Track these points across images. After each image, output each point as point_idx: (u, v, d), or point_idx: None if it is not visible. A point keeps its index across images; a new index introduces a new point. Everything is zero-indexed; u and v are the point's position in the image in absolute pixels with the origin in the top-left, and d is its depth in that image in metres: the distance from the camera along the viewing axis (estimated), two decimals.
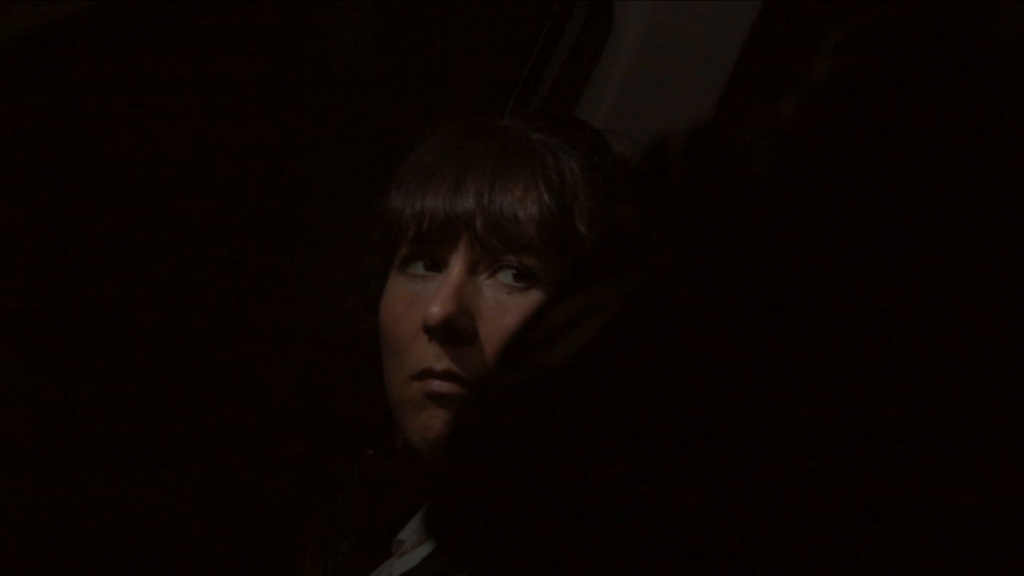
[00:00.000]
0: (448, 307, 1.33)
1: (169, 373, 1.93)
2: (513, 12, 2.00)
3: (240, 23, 1.75)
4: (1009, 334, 0.75)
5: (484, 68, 1.98)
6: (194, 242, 1.93)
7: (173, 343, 1.92)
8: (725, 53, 1.79)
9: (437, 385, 1.34)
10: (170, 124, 1.91)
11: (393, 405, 1.38)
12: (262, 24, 1.90)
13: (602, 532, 0.79)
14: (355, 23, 2.15)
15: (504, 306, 1.34)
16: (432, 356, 1.34)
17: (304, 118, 2.04)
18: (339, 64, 2.05)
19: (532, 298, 1.34)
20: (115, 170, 1.88)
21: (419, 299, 1.36)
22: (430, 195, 1.36)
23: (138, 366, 1.91)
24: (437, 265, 1.36)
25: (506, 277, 1.35)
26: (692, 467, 0.77)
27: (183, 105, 1.89)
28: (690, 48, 1.78)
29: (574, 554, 0.80)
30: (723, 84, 1.79)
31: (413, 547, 1.42)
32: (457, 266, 1.35)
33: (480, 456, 0.83)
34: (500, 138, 1.39)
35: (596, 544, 0.79)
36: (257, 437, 1.94)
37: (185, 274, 1.93)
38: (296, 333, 1.98)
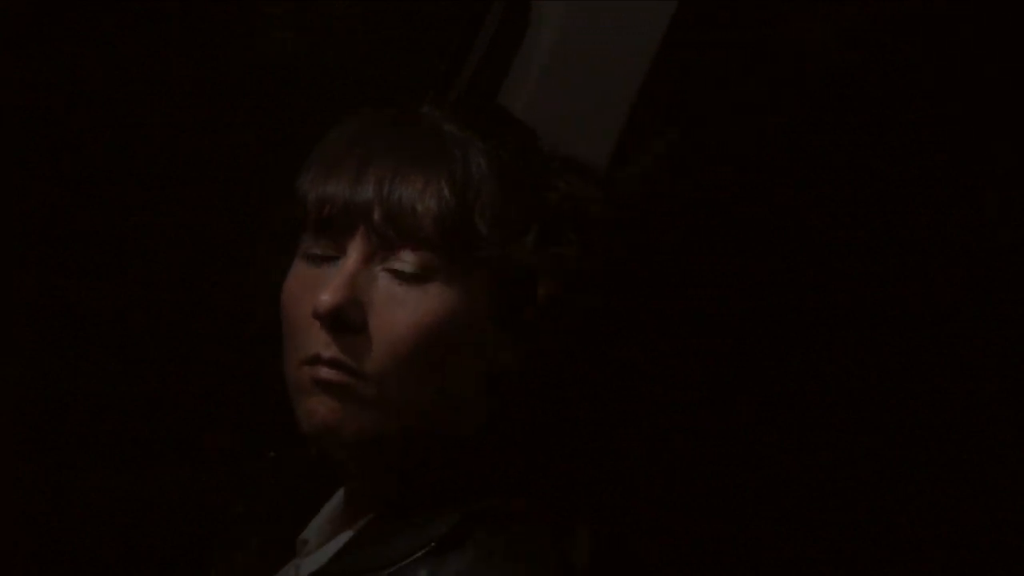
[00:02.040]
0: (336, 296, 1.34)
1: (86, 369, 1.93)
2: (432, 7, 2.01)
3: (162, 21, 1.75)
4: None
5: (403, 63, 1.99)
6: (104, 239, 1.92)
7: (93, 340, 1.92)
8: (642, 50, 1.80)
9: (324, 372, 1.35)
10: (103, 125, 1.91)
11: (288, 390, 1.39)
12: (184, 20, 1.90)
13: None
14: (276, 17, 2.15)
15: (396, 298, 1.35)
16: (322, 343, 1.35)
17: (223, 112, 2.03)
18: (260, 58, 2.05)
19: (427, 292, 1.35)
20: (53, 171, 1.88)
21: (316, 284, 1.36)
22: (332, 182, 1.37)
23: (54, 364, 1.90)
24: (337, 252, 1.37)
25: (401, 269, 1.35)
26: None
27: (113, 105, 1.89)
28: (608, 44, 1.79)
29: None
30: (640, 80, 1.81)
31: (318, 546, 1.42)
32: (353, 255, 1.36)
33: None
34: (410, 129, 1.39)
35: None
36: (171, 432, 1.94)
37: (98, 271, 1.93)
38: (213, 326, 1.98)
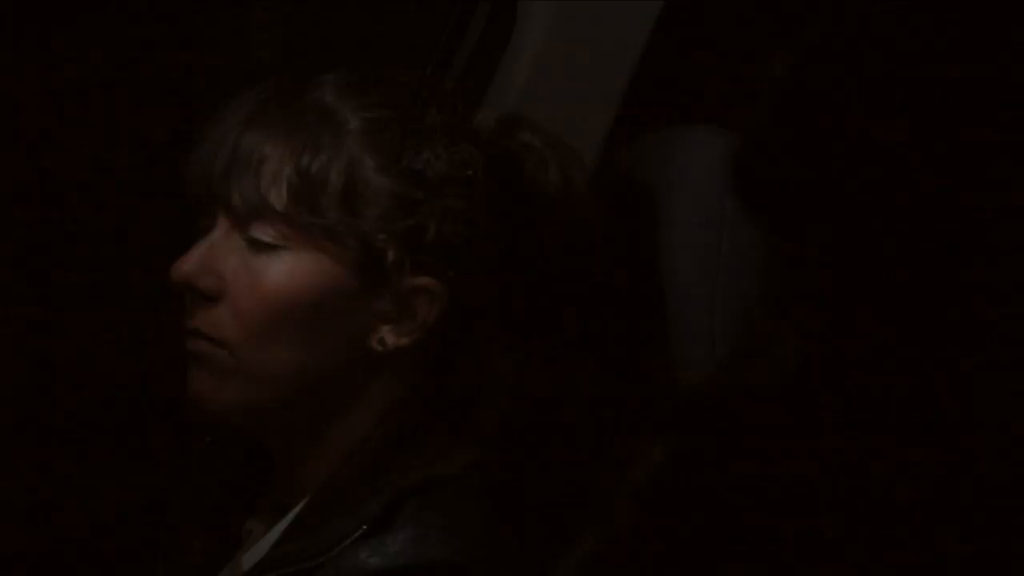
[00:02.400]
0: (185, 266, 1.36)
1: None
2: (418, 9, 2.01)
3: (151, 23, 1.75)
4: None
5: (390, 66, 1.99)
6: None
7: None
8: (628, 47, 1.81)
9: (190, 343, 1.38)
10: (76, 127, 1.91)
11: None
12: (172, 25, 1.90)
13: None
14: (265, 22, 2.15)
15: (250, 268, 1.36)
16: (187, 314, 1.38)
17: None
18: (247, 61, 2.05)
19: (280, 262, 1.35)
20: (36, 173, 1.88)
21: None
22: (200, 158, 1.39)
23: None
24: (213, 224, 1.39)
25: (258, 238, 1.36)
26: None
27: (90, 105, 1.89)
28: (594, 43, 1.79)
29: None
30: (627, 78, 1.81)
31: (261, 536, 1.42)
32: (215, 228, 1.37)
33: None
34: (283, 103, 1.39)
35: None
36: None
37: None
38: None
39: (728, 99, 2.14)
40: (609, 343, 1.78)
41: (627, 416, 1.65)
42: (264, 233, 1.36)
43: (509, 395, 1.44)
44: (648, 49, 1.81)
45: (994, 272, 0.80)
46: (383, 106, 1.38)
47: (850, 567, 0.84)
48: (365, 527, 1.32)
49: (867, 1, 0.86)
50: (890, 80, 0.82)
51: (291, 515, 1.39)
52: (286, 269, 1.35)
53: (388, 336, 1.37)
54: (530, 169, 1.43)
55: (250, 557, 1.40)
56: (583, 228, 1.43)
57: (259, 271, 1.35)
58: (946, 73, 0.83)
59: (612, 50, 1.80)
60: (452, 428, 1.39)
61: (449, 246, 1.36)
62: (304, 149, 1.35)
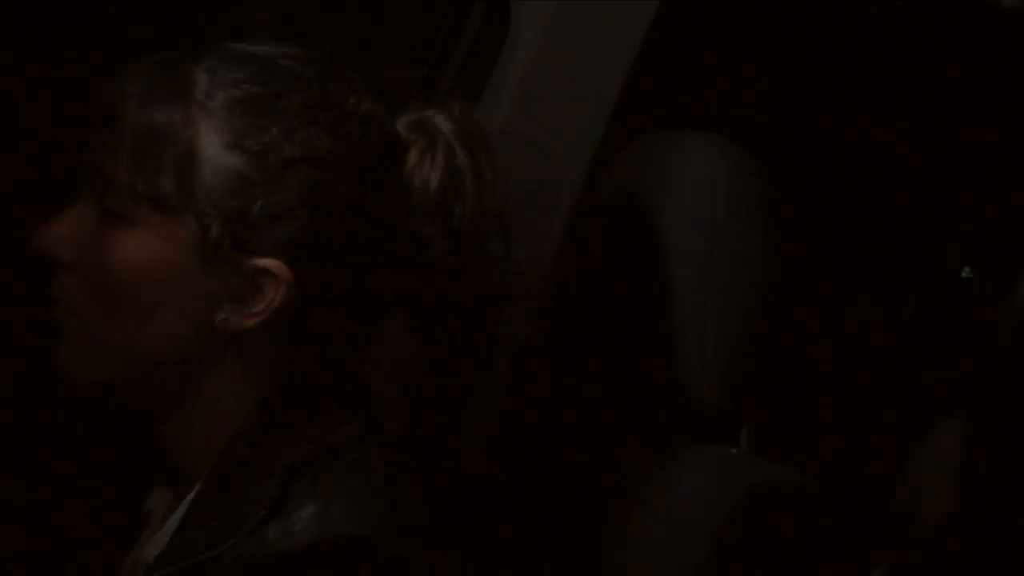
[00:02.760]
0: (44, 234, 1.37)
1: None
2: (413, 9, 2.01)
3: (151, 23, 1.76)
4: None
5: (386, 67, 1.99)
6: None
7: None
8: (623, 49, 1.81)
9: (53, 310, 1.39)
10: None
11: None
12: (172, 25, 1.91)
13: None
14: (263, 20, 2.15)
15: (99, 239, 1.36)
16: (54, 281, 1.39)
17: None
18: None
19: (124, 234, 1.35)
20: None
21: None
22: (74, 132, 1.40)
23: None
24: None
25: (107, 210, 1.36)
26: None
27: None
28: (589, 45, 1.80)
29: None
30: (622, 80, 1.82)
31: (161, 518, 1.43)
32: (79, 200, 1.38)
33: None
34: (149, 80, 1.37)
35: None
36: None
37: None
38: None
39: (723, 102, 2.16)
40: (603, 344, 1.80)
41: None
42: (113, 204, 1.36)
43: (383, 369, 1.44)
44: (643, 51, 1.82)
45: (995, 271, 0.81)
46: (251, 83, 1.36)
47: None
48: (265, 511, 1.31)
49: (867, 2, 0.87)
50: (891, 80, 0.83)
51: (188, 499, 1.39)
52: (128, 242, 1.35)
53: (233, 317, 1.36)
54: (413, 161, 1.41)
55: (152, 546, 1.40)
56: (468, 225, 1.42)
57: (106, 243, 1.36)
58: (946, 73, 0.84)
59: (607, 52, 1.80)
60: (331, 404, 1.39)
61: (291, 230, 1.35)
62: (152, 119, 1.35)
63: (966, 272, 2.10)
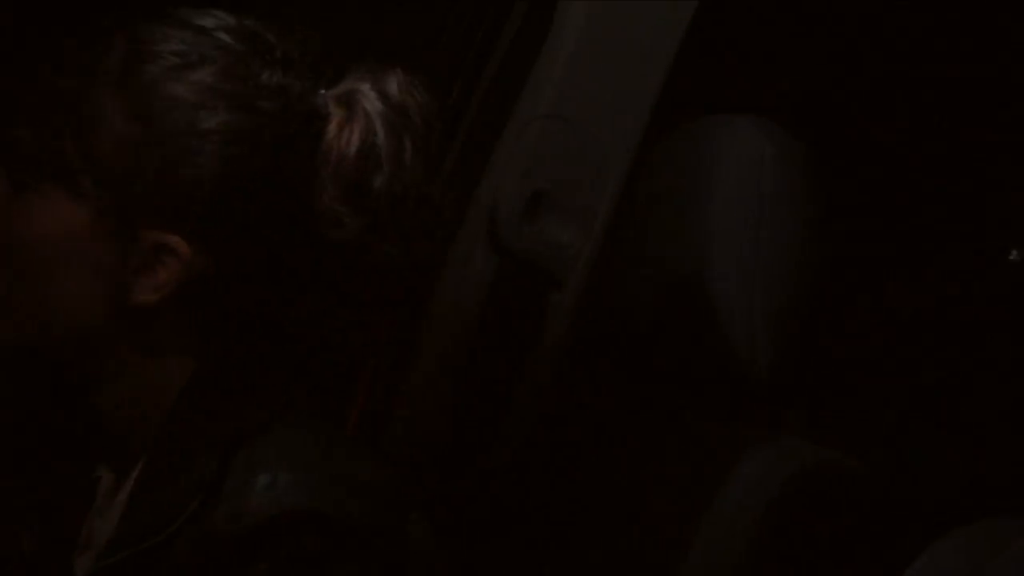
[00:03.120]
0: None
1: None
2: (454, 4, 2.02)
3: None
4: None
5: (428, 57, 2.00)
6: None
7: None
8: (664, 44, 1.82)
9: None
10: None
11: None
12: None
13: None
14: (300, 16, 2.16)
15: (5, 205, 1.35)
16: None
17: None
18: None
19: (25, 201, 1.33)
20: None
21: None
22: None
23: None
24: None
25: (12, 177, 1.35)
26: None
27: None
28: (630, 39, 1.80)
29: None
30: (663, 76, 1.82)
31: (111, 495, 1.41)
32: None
33: None
34: (60, 46, 1.36)
35: None
36: None
37: None
38: None
39: (763, 95, 2.16)
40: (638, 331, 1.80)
41: None
42: (17, 171, 1.34)
43: (303, 341, 1.42)
44: (685, 42, 1.82)
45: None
46: (168, 55, 1.34)
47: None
48: (202, 493, 1.29)
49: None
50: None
51: (131, 479, 1.37)
52: (30, 210, 1.33)
53: (135, 291, 1.34)
54: (331, 135, 1.36)
55: (103, 521, 1.39)
56: (383, 207, 1.36)
57: (11, 210, 1.34)
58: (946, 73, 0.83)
59: (648, 45, 1.81)
60: (264, 377, 1.37)
61: (196, 205, 1.32)
62: (56, 85, 1.34)
63: (1014, 255, 2.10)
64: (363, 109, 1.36)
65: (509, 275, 1.74)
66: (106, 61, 1.33)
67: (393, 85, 1.38)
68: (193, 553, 1.28)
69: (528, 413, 1.76)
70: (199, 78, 1.33)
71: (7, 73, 1.37)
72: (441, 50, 1.87)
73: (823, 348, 1.80)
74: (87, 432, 1.44)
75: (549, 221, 1.76)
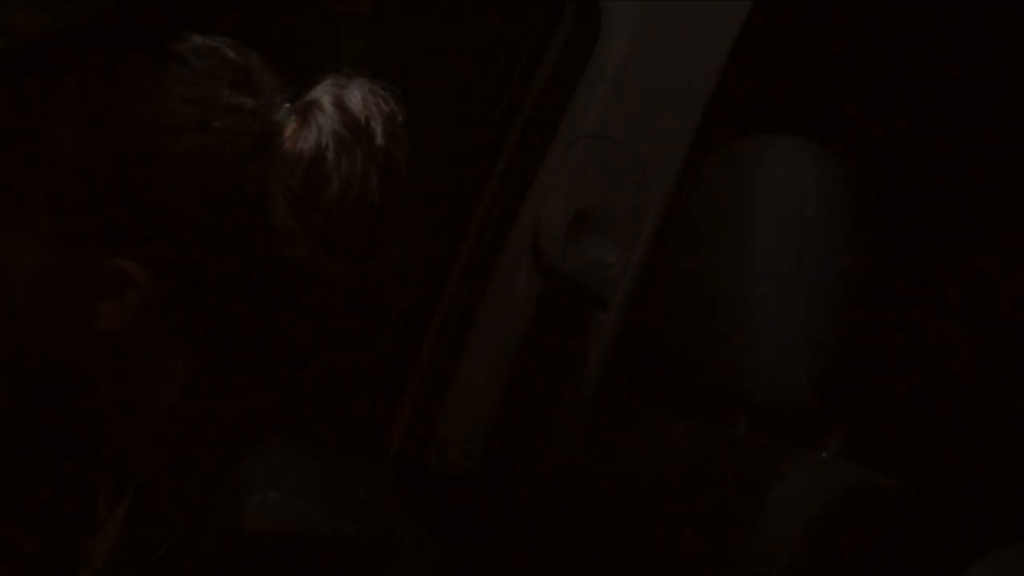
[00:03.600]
0: None
1: None
2: (504, 13, 2.02)
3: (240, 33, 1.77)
4: None
5: (475, 71, 2.00)
6: None
7: None
8: (713, 53, 1.81)
9: None
10: None
11: None
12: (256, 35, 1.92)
13: None
14: (349, 28, 2.17)
15: None
16: None
17: None
18: (334, 67, 2.07)
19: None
20: None
21: None
22: None
23: None
24: None
25: None
26: None
27: None
28: (679, 49, 1.80)
29: None
30: (708, 92, 1.82)
31: (107, 511, 1.40)
32: None
33: None
34: (24, 71, 1.34)
35: None
36: None
37: None
38: None
39: (814, 108, 2.15)
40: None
41: None
42: None
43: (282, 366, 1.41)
44: (735, 50, 1.82)
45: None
46: (125, 81, 1.32)
47: None
48: (190, 514, 1.29)
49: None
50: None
51: (124, 506, 1.37)
52: None
53: (99, 317, 1.32)
54: (286, 148, 1.32)
55: (98, 541, 1.39)
56: (333, 223, 1.33)
57: None
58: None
59: (699, 52, 1.80)
60: (247, 396, 1.36)
61: (152, 229, 1.31)
62: (12, 111, 1.32)
63: None
64: (316, 122, 1.33)
65: (553, 294, 1.75)
66: (60, 87, 1.31)
67: (355, 97, 1.34)
68: (186, 573, 1.28)
69: (570, 431, 1.77)
70: (151, 102, 1.31)
71: None
72: (486, 70, 1.87)
73: (863, 369, 1.80)
74: (83, 456, 1.44)
75: (593, 241, 1.76)
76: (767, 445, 1.74)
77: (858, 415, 1.79)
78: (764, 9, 1.82)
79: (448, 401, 1.74)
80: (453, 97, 1.99)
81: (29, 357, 1.35)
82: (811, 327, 1.70)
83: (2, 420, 1.50)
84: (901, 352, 2.20)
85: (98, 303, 1.32)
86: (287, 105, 1.35)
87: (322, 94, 1.34)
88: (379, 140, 1.33)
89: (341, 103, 1.33)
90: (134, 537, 1.33)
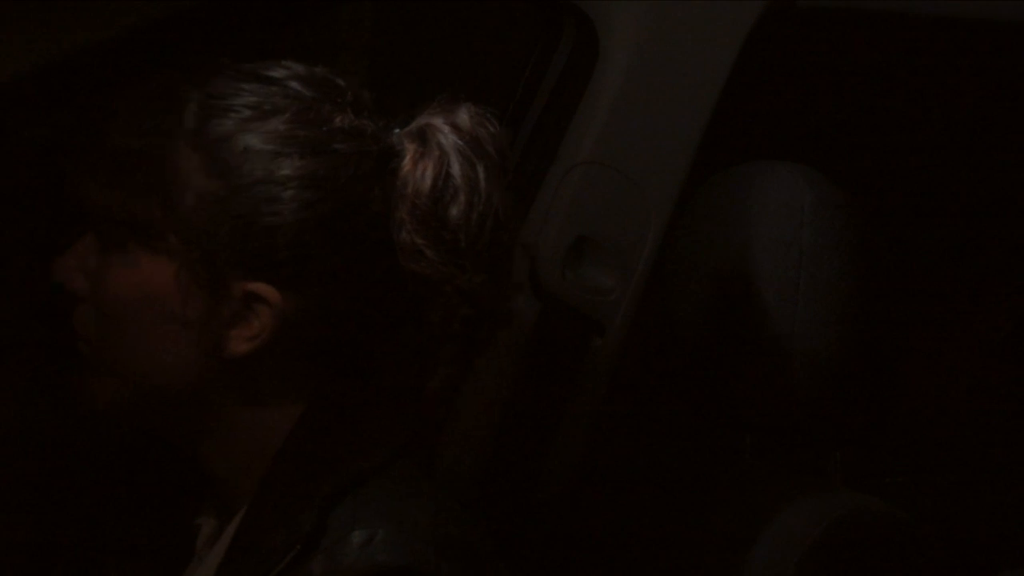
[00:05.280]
0: (56, 266, 1.38)
1: None
2: (500, 41, 2.02)
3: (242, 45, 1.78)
4: None
5: (473, 95, 2.00)
6: None
7: None
8: (712, 80, 1.82)
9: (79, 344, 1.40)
10: None
11: None
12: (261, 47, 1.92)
13: None
14: (349, 50, 2.17)
15: (98, 269, 1.37)
16: None
17: None
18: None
19: (112, 264, 1.35)
20: None
21: None
22: None
23: None
24: None
25: (102, 238, 1.37)
26: None
27: None
28: (676, 76, 1.80)
29: None
30: (706, 119, 1.82)
31: (207, 546, 1.42)
32: (86, 234, 1.39)
33: None
34: (131, 101, 1.37)
35: None
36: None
37: None
38: None
39: (811, 131, 2.16)
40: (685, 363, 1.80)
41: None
42: (102, 232, 1.36)
43: (419, 388, 1.43)
44: (731, 80, 1.82)
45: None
46: (241, 108, 1.35)
47: None
48: (299, 547, 1.30)
49: None
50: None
51: (230, 531, 1.38)
52: (117, 270, 1.35)
53: (230, 343, 1.35)
54: (406, 170, 1.38)
55: (202, 572, 1.40)
56: (462, 238, 1.37)
57: (103, 272, 1.36)
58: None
59: (692, 91, 1.81)
60: (368, 426, 1.38)
61: (280, 252, 1.34)
62: (130, 143, 1.35)
63: None
64: (437, 142, 1.38)
65: (550, 320, 1.74)
66: (180, 118, 1.34)
67: (464, 117, 1.40)
68: None
69: (570, 457, 1.77)
70: (272, 127, 1.34)
71: (82, 135, 1.37)
72: (483, 96, 1.87)
73: (862, 392, 1.80)
74: (189, 480, 1.46)
75: (591, 266, 1.76)
76: (767, 468, 1.74)
77: (857, 440, 1.79)
78: (762, 36, 1.82)
79: (447, 426, 1.74)
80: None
81: (156, 381, 1.37)
82: (809, 351, 1.70)
83: (122, 442, 1.52)
84: (900, 375, 2.21)
85: (229, 327, 1.35)
86: (397, 130, 1.40)
87: (434, 116, 1.40)
88: (495, 157, 1.39)
89: (455, 123, 1.39)
90: (238, 565, 1.34)
